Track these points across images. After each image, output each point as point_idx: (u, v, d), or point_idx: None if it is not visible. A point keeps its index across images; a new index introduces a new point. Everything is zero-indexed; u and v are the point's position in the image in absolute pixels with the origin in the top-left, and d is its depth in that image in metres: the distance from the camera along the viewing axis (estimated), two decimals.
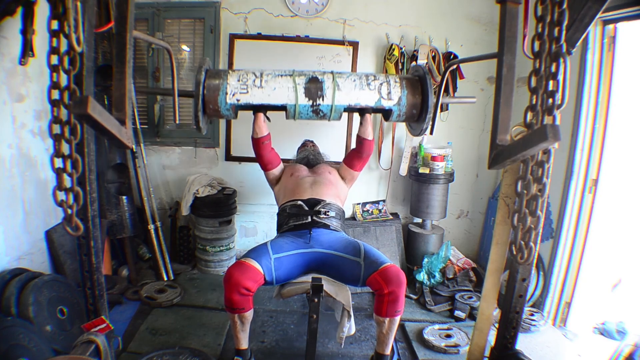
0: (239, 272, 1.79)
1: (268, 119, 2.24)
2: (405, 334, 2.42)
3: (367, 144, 2.29)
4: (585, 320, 2.46)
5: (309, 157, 2.59)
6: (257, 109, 2.12)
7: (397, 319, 1.86)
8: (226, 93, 1.97)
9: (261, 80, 2.00)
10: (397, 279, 1.79)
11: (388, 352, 1.93)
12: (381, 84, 2.04)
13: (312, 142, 2.81)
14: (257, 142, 2.26)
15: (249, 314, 1.87)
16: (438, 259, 2.90)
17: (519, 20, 1.20)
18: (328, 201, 2.18)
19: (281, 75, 2.03)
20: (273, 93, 2.00)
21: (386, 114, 2.14)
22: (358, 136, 2.30)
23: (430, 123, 2.06)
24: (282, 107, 2.05)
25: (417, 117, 2.10)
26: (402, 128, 3.20)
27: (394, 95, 2.04)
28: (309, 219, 2.08)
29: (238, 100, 1.99)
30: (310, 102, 2.01)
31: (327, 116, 2.09)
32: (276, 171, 2.40)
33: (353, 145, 2.98)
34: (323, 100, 2.01)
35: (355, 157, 2.37)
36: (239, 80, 1.99)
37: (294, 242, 2.01)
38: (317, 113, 2.06)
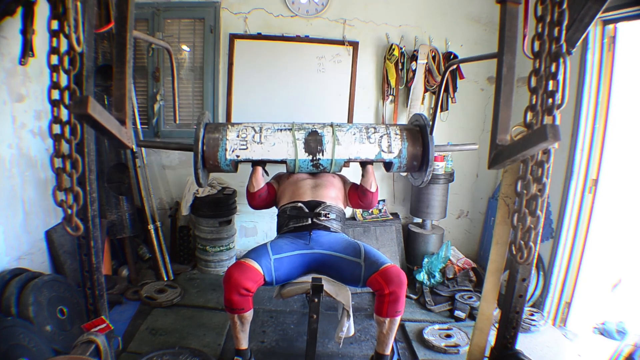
0: (239, 272, 1.78)
1: (266, 172, 2.24)
2: (405, 334, 2.42)
3: (370, 196, 2.22)
4: (585, 320, 2.46)
5: None
6: (257, 163, 2.12)
7: (398, 319, 1.86)
8: (225, 149, 1.98)
9: (260, 136, 2.00)
10: (397, 279, 1.79)
11: (388, 352, 1.93)
12: (381, 137, 2.05)
13: None
14: (254, 196, 2.22)
15: (249, 314, 1.87)
16: (438, 259, 2.90)
17: (519, 20, 1.20)
18: (328, 203, 2.17)
19: (280, 130, 2.03)
20: (272, 149, 2.01)
21: (387, 165, 2.16)
22: (361, 186, 2.23)
23: (430, 124, 2.06)
24: (282, 162, 2.07)
25: (419, 167, 2.11)
26: None
27: (395, 148, 2.05)
28: (309, 221, 2.08)
29: (238, 156, 2.00)
30: (310, 157, 2.03)
31: (327, 169, 2.12)
32: (272, 193, 2.34)
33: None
34: (323, 154, 2.03)
35: (356, 201, 2.28)
36: (238, 136, 1.99)
37: (293, 243, 2.01)
38: (317, 167, 2.10)
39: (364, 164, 2.18)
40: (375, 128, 2.09)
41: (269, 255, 1.91)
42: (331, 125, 2.09)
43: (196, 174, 1.96)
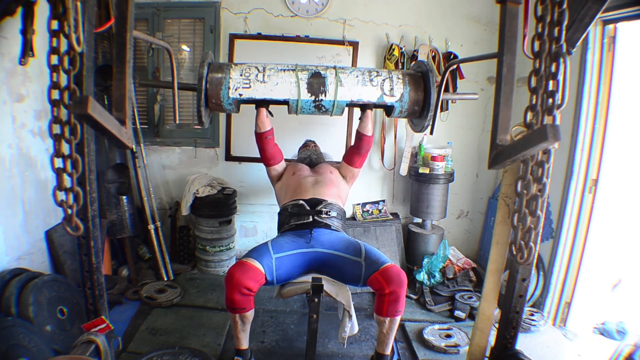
0: (241, 272, 1.78)
1: (271, 113, 2.24)
2: (405, 334, 2.42)
3: (367, 140, 2.30)
4: (585, 320, 2.46)
5: (311, 156, 2.58)
6: (260, 103, 2.12)
7: (398, 318, 1.86)
8: (229, 87, 1.97)
9: (264, 75, 2.00)
10: (398, 278, 1.79)
11: (388, 352, 1.93)
12: (384, 80, 2.04)
13: (313, 142, 2.80)
14: (261, 137, 2.26)
15: (250, 314, 1.87)
16: (437, 258, 2.90)
17: (519, 20, 1.20)
18: (330, 201, 2.17)
19: (284, 70, 2.02)
20: (275, 88, 2.00)
21: (388, 109, 2.16)
22: (358, 132, 2.30)
23: (431, 122, 2.06)
24: (285, 102, 2.06)
25: (419, 113, 2.11)
26: (402, 128, 3.20)
27: (397, 91, 2.04)
28: (311, 219, 2.08)
29: (240, 95, 2.00)
30: (313, 98, 2.02)
31: (330, 111, 2.10)
32: (279, 167, 2.41)
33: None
34: (325, 95, 2.01)
35: (354, 153, 2.37)
36: (241, 75, 1.99)
37: (294, 242, 2.01)
38: (319, 108, 2.07)
39: (364, 108, 2.19)
40: (377, 72, 2.09)
41: (270, 254, 1.91)
42: (334, 67, 2.08)
43: (199, 111, 1.96)
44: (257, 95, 2.01)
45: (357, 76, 2.05)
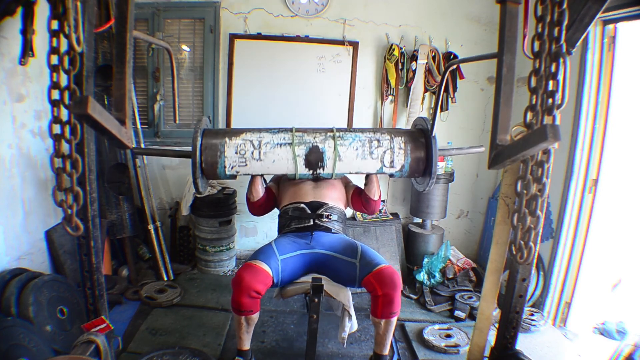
0: (250, 275, 1.77)
1: (265, 181, 2.24)
2: (405, 334, 2.42)
3: (373, 204, 2.22)
4: (585, 320, 2.46)
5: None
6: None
7: (394, 320, 1.85)
8: (225, 166, 1.96)
9: (260, 152, 1.96)
10: (390, 281, 1.78)
11: (386, 352, 1.93)
12: (384, 152, 2.00)
13: None
14: (253, 205, 2.23)
15: (256, 316, 1.86)
16: (438, 259, 2.90)
17: (519, 20, 1.20)
18: (331, 204, 2.16)
19: (280, 145, 1.98)
20: (272, 165, 1.99)
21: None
22: (364, 194, 2.21)
23: (431, 122, 2.06)
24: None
25: (422, 174, 2.08)
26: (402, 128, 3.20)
27: (397, 163, 2.02)
28: (311, 222, 2.07)
29: (237, 172, 1.99)
30: (311, 172, 2.01)
31: (328, 178, 2.12)
32: (272, 200, 2.34)
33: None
34: (323, 170, 2.01)
35: (360, 207, 2.30)
36: (236, 153, 1.95)
37: (295, 243, 2.01)
38: (318, 179, 2.13)
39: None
40: (379, 141, 2.01)
41: (276, 255, 1.91)
42: (333, 137, 2.01)
43: (195, 183, 1.93)
44: (254, 172, 2.01)
45: (356, 149, 2.00)
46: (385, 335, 1.88)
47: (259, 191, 2.18)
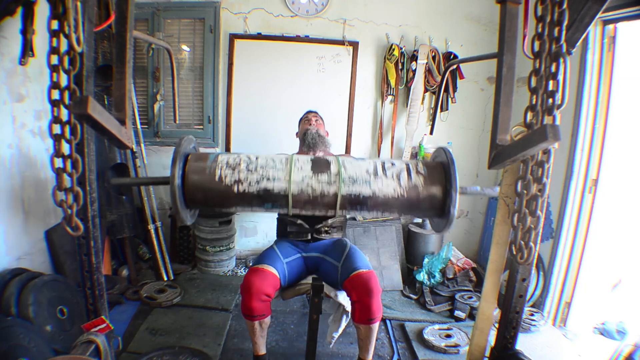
0: (260, 279, 1.76)
1: None
2: (405, 334, 2.42)
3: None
4: (585, 320, 2.46)
5: (308, 138, 2.24)
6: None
7: (374, 326, 1.78)
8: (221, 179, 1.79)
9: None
10: (365, 287, 1.72)
11: (369, 358, 1.88)
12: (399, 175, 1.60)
13: (315, 113, 2.42)
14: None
15: (268, 319, 1.85)
16: (439, 259, 2.90)
17: (519, 20, 1.20)
18: (330, 222, 2.06)
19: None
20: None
21: None
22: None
23: (431, 123, 2.05)
24: None
25: (439, 215, 1.54)
26: (402, 128, 3.20)
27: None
28: (309, 237, 2.05)
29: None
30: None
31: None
32: None
33: (353, 152, 2.90)
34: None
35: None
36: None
37: (295, 247, 2.03)
38: None
39: None
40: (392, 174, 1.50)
41: (281, 259, 1.92)
42: (338, 174, 1.42)
43: (178, 213, 1.39)
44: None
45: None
46: (367, 340, 1.82)
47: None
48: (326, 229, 2.05)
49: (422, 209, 1.45)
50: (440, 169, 1.44)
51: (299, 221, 2.04)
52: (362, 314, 1.74)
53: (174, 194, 1.42)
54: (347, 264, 1.85)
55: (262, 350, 1.91)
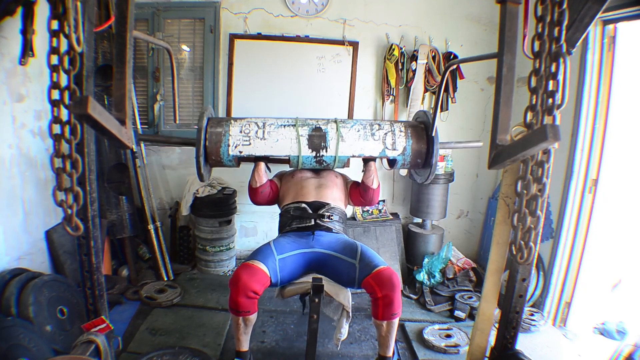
0: (248, 275, 1.77)
1: (269, 168, 2.22)
2: (405, 334, 2.42)
3: (372, 193, 2.21)
4: (585, 320, 2.46)
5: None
6: (260, 158, 2.11)
7: (395, 321, 1.84)
8: (228, 145, 1.98)
9: (264, 132, 2.00)
10: (389, 282, 1.77)
11: (390, 354, 1.92)
12: (385, 134, 2.05)
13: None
14: (256, 191, 2.21)
15: (254, 317, 1.86)
16: (439, 259, 2.90)
17: (519, 20, 1.20)
18: (332, 205, 2.15)
19: (284, 126, 2.03)
20: (276, 145, 2.01)
21: (391, 162, 2.16)
22: (363, 182, 2.21)
23: (431, 123, 2.06)
24: (285, 158, 2.07)
25: (422, 164, 2.12)
26: None
27: (399, 145, 2.05)
28: (312, 222, 2.07)
29: (240, 152, 2.00)
30: (314, 154, 2.03)
31: (331, 165, 2.11)
32: (275, 193, 2.32)
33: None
34: (326, 151, 2.03)
35: (358, 198, 2.29)
36: (241, 131, 1.99)
37: (296, 242, 2.01)
38: (321, 163, 2.09)
39: (366, 160, 2.18)
40: (379, 125, 2.08)
41: (274, 255, 1.91)
42: (335, 121, 2.07)
43: (199, 169, 1.96)
44: (257, 152, 2.02)
45: (358, 130, 2.05)
46: (388, 336, 1.86)
47: (262, 176, 2.17)
48: (328, 214, 2.09)
49: (411, 164, 2.03)
50: (422, 129, 2.04)
51: (303, 205, 2.11)
52: (386, 309, 1.78)
53: (199, 150, 1.92)
54: (367, 262, 1.88)
55: (245, 347, 1.93)
